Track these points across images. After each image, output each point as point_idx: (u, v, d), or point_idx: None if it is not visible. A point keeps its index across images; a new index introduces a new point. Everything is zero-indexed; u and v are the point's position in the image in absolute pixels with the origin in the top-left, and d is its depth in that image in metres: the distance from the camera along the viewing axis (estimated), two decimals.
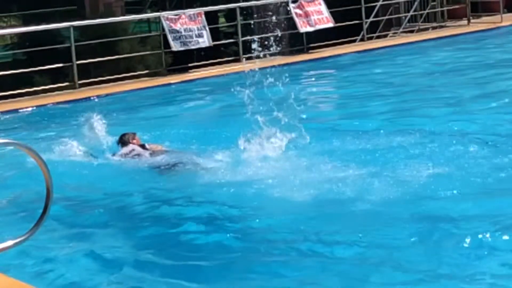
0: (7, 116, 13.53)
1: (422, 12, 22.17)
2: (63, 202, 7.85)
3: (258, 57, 11.39)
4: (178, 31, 16.72)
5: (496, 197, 7.34)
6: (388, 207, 7.14)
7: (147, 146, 9.71)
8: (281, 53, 19.48)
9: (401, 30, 21.72)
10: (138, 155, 9.51)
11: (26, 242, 3.99)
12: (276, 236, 6.74)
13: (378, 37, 21.23)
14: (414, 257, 6.00)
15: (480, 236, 6.19)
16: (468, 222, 6.60)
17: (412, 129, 10.03)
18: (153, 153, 9.52)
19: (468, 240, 6.14)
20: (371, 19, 20.70)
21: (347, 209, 7.20)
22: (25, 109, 13.94)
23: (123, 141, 9.79)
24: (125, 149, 9.61)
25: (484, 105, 11.56)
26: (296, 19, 18.50)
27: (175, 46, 16.66)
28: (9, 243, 3.89)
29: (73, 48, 15.60)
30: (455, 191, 7.40)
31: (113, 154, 9.61)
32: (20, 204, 8.14)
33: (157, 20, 17.59)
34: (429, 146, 9.03)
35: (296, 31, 18.61)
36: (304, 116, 11.97)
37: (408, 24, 22.06)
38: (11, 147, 3.78)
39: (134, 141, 9.77)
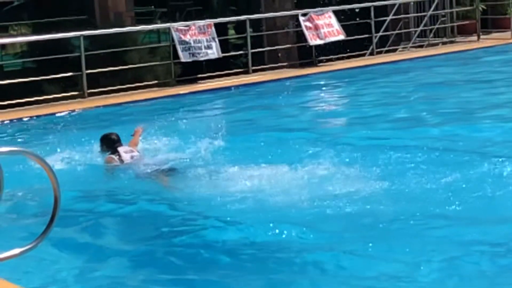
0: (16, 124, 13.55)
1: (432, 27, 22.18)
2: (68, 211, 7.85)
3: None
4: (187, 42, 16.75)
5: None
6: (394, 220, 7.13)
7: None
8: (290, 66, 19.53)
9: (410, 45, 21.72)
10: (134, 157, 9.58)
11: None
12: (278, 248, 6.72)
13: (388, 51, 21.24)
14: (419, 273, 5.98)
15: (499, 258, 6.16)
16: (477, 241, 6.58)
17: (420, 143, 10.02)
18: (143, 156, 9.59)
19: (482, 261, 6.11)
20: (380, 33, 20.71)
21: (352, 221, 7.19)
22: (34, 118, 13.97)
23: (114, 141, 9.76)
24: (124, 151, 9.61)
25: (496, 119, 11.56)
26: (306, 32, 18.52)
27: (184, 57, 16.69)
28: (16, 251, 3.88)
29: (83, 57, 15.64)
30: (462, 207, 7.38)
31: (118, 156, 9.56)
32: (27, 212, 8.15)
33: (167, 31, 17.63)
34: (437, 159, 9.02)
35: (305, 43, 18.66)
36: (309, 129, 12.00)
37: (417, 39, 22.06)
38: (20, 155, 3.78)
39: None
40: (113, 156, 9.58)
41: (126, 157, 9.56)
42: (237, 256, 6.67)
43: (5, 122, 13.63)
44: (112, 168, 9.50)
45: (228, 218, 7.47)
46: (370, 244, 6.49)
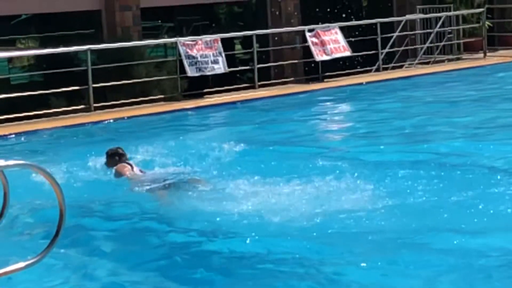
0: (23, 138, 13.58)
1: (438, 44, 22.19)
2: (69, 225, 7.86)
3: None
4: (194, 57, 16.79)
5: None
6: (396, 236, 7.13)
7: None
8: (296, 81, 19.56)
9: (416, 61, 21.74)
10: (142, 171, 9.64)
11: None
12: (279, 263, 6.72)
13: (394, 67, 21.25)
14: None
15: (500, 269, 6.16)
16: (481, 255, 6.57)
17: (426, 158, 10.03)
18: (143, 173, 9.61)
19: (481, 273, 6.10)
20: (387, 49, 20.73)
21: (353, 237, 7.18)
22: (40, 131, 13.99)
23: (122, 155, 9.82)
24: (135, 164, 9.67)
25: (503, 136, 11.57)
26: (312, 48, 18.56)
27: (191, 72, 16.73)
28: (21, 264, 3.88)
29: (89, 71, 15.69)
30: (469, 223, 7.38)
31: (131, 166, 9.61)
32: (32, 225, 8.16)
33: (174, 46, 17.68)
34: (444, 175, 9.02)
35: (312, 59, 18.70)
36: (315, 144, 12.00)
37: (424, 55, 22.08)
38: (26, 169, 3.78)
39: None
40: (125, 164, 9.62)
41: (136, 169, 9.61)
42: (235, 271, 6.66)
43: (12, 135, 13.66)
44: (121, 178, 9.52)
45: (232, 233, 7.47)
46: (376, 259, 6.48)
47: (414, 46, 22.46)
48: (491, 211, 7.67)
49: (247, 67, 19.39)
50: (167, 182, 9.27)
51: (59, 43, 17.17)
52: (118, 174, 9.59)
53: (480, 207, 7.79)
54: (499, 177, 8.94)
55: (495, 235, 7.10)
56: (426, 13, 22.49)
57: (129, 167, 9.62)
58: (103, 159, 10.02)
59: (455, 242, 6.91)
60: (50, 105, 15.85)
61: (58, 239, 3.89)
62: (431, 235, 7.11)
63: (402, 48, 21.96)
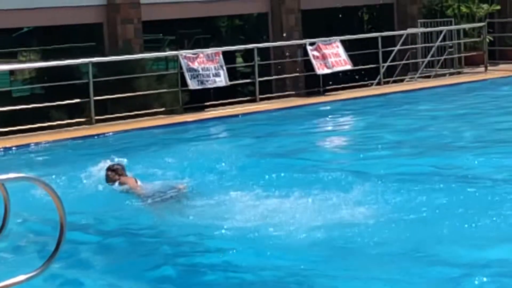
0: (24, 150, 13.58)
1: (439, 58, 22.22)
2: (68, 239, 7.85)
3: None
4: (195, 70, 16.81)
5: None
6: (395, 250, 7.12)
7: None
8: (297, 94, 19.58)
9: (417, 75, 21.76)
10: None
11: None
12: (276, 276, 6.71)
13: (395, 81, 21.27)
14: None
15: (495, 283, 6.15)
16: (482, 268, 6.56)
17: (423, 172, 10.03)
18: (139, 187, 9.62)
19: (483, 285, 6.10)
20: (388, 63, 20.76)
21: (353, 251, 7.17)
22: (41, 144, 13.99)
23: (121, 170, 9.85)
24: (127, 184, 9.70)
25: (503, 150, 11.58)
26: (313, 61, 18.58)
27: (192, 85, 16.75)
28: (21, 277, 3.88)
29: (91, 84, 15.70)
30: (471, 236, 7.37)
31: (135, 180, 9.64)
32: (32, 238, 8.15)
33: (175, 59, 17.70)
34: (441, 189, 9.02)
35: (313, 73, 18.73)
36: (315, 157, 11.99)
37: (425, 69, 22.11)
38: (26, 182, 3.79)
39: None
40: (131, 176, 9.65)
41: (139, 183, 9.63)
42: (231, 284, 6.65)
43: (13, 148, 13.65)
44: (124, 189, 9.52)
45: (230, 247, 7.47)
46: (376, 273, 6.47)
47: (415, 60, 22.49)
48: (494, 224, 7.67)
49: (248, 80, 19.42)
50: (167, 195, 9.27)
51: (61, 56, 17.19)
52: (123, 186, 9.60)
53: (483, 219, 7.79)
54: (501, 190, 8.95)
55: (498, 247, 7.10)
56: (427, 27, 22.53)
57: (133, 179, 9.65)
58: (103, 173, 10.02)
59: (457, 255, 6.91)
60: (51, 117, 15.86)
61: (59, 252, 3.89)
62: (432, 248, 7.10)
63: (403, 61, 21.99)
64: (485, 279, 6.23)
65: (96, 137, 14.55)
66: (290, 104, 17.97)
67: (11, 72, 18.28)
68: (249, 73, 19.89)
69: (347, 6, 23.28)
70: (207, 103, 17.83)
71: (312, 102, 17.97)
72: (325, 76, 19.03)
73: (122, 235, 8.31)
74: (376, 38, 20.33)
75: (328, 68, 18.66)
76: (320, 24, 22.48)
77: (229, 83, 17.39)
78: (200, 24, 21.14)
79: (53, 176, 10.09)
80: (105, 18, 18.65)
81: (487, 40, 22.55)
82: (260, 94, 18.17)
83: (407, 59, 22.20)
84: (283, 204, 8.64)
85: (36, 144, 13.97)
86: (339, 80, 19.41)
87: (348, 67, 18.98)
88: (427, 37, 22.37)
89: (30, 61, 18.32)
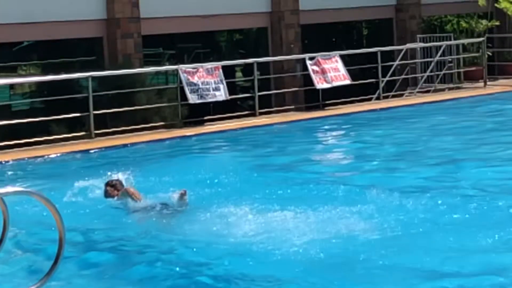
0: (23, 164, 13.58)
1: (438, 73, 22.26)
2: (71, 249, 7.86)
3: None
4: (195, 84, 16.84)
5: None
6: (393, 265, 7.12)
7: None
8: (297, 109, 19.60)
9: (417, 90, 21.80)
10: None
11: None
12: None
13: (394, 96, 21.30)
14: None
15: None
16: (481, 280, 6.57)
17: (423, 185, 10.05)
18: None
19: None
20: (387, 78, 20.79)
21: (352, 264, 7.18)
22: (41, 158, 13.99)
23: (120, 184, 9.87)
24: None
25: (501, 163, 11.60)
26: (313, 76, 18.62)
27: (192, 99, 16.77)
28: None
29: (90, 98, 15.71)
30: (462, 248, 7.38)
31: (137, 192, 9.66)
32: (31, 251, 8.14)
33: (175, 73, 17.73)
34: (442, 202, 9.04)
35: (312, 87, 18.76)
36: (315, 171, 12.01)
37: (424, 84, 22.14)
38: (26, 196, 3.79)
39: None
40: (133, 188, 9.66)
41: (141, 195, 9.65)
42: None
43: (13, 161, 13.65)
44: (123, 204, 9.54)
45: (229, 260, 7.48)
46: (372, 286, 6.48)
47: (415, 75, 22.53)
48: (491, 235, 7.68)
49: (248, 95, 19.44)
50: (167, 209, 9.29)
51: (61, 70, 17.22)
52: (122, 200, 9.60)
53: (481, 231, 7.80)
54: (499, 203, 8.96)
55: (494, 258, 7.11)
56: (426, 42, 22.57)
57: (137, 191, 9.66)
58: (102, 187, 10.03)
59: (458, 269, 6.91)
60: (51, 131, 15.87)
61: (58, 266, 3.89)
62: (428, 261, 7.10)
63: (403, 76, 22.02)
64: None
65: (95, 151, 14.55)
66: (290, 118, 17.99)
67: (11, 86, 18.30)
68: (249, 88, 19.92)
69: (347, 21, 23.37)
70: (207, 117, 17.84)
71: (312, 117, 17.99)
72: (324, 90, 19.06)
73: (119, 250, 8.29)
74: (376, 53, 20.37)
75: (327, 82, 18.69)
76: (320, 39, 22.53)
77: (229, 97, 17.42)
78: (200, 39, 21.19)
79: (53, 190, 10.09)
80: (105, 33, 18.69)
81: (486, 55, 22.60)
82: (259, 108, 18.20)
83: (406, 74, 22.24)
84: (282, 218, 8.64)
85: (36, 158, 13.97)
86: (338, 94, 19.44)
87: (347, 81, 19.01)
88: (427, 52, 22.42)
89: (30, 75, 18.34)
